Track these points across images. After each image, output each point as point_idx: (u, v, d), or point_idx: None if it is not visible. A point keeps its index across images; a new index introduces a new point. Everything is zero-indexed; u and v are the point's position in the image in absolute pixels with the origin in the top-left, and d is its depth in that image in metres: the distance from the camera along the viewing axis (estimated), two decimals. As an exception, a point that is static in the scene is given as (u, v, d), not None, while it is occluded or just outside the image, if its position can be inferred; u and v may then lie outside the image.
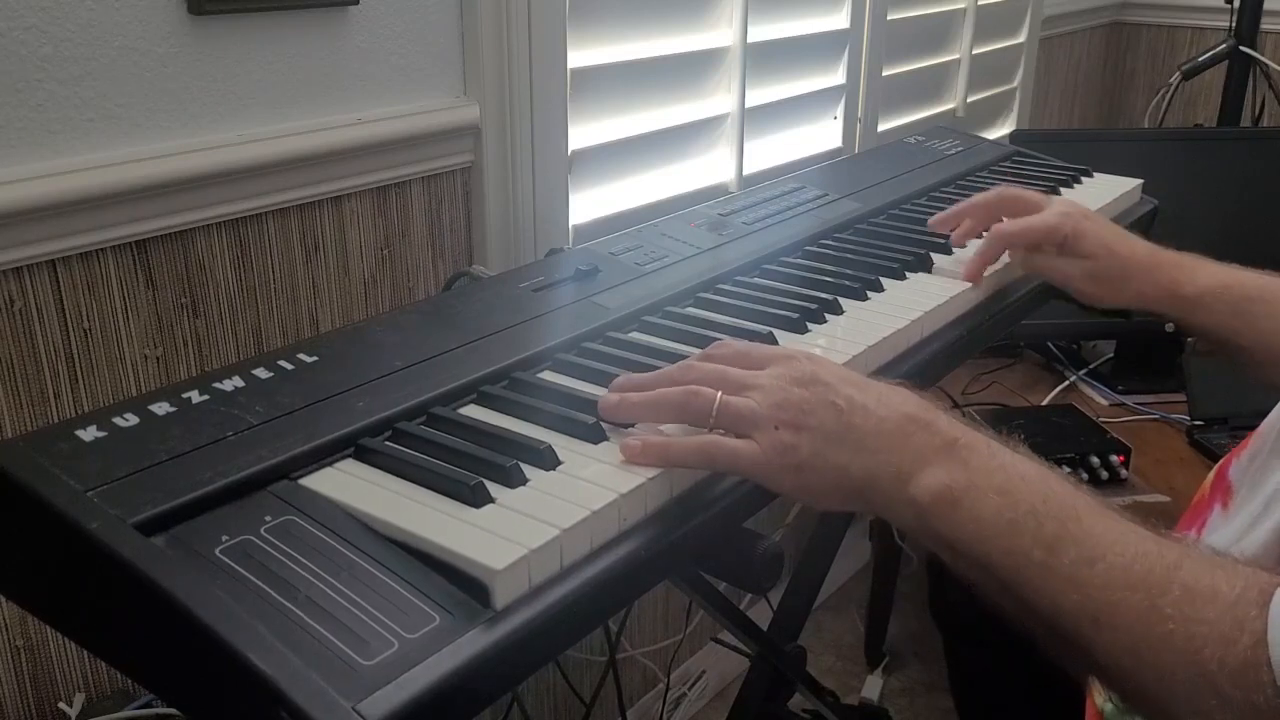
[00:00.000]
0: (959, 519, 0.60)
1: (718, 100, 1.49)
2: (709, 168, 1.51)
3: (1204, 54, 2.27)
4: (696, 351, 0.77)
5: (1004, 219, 1.01)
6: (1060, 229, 0.96)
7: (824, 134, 1.76)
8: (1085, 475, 1.43)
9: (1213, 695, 0.52)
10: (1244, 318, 0.90)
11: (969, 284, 0.96)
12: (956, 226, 1.04)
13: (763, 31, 1.53)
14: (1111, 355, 1.85)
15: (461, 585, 0.52)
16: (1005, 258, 1.00)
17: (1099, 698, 0.88)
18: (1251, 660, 0.51)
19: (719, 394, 0.64)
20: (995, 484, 0.60)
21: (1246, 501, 0.75)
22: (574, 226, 1.30)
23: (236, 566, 0.51)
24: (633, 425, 0.67)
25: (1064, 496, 0.59)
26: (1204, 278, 0.93)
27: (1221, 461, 0.86)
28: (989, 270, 0.98)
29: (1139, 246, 0.96)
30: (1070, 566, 0.57)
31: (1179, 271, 0.94)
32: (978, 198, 1.04)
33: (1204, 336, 0.95)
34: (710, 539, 0.66)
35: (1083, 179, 1.34)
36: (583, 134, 1.29)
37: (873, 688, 1.92)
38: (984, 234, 1.01)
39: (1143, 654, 0.54)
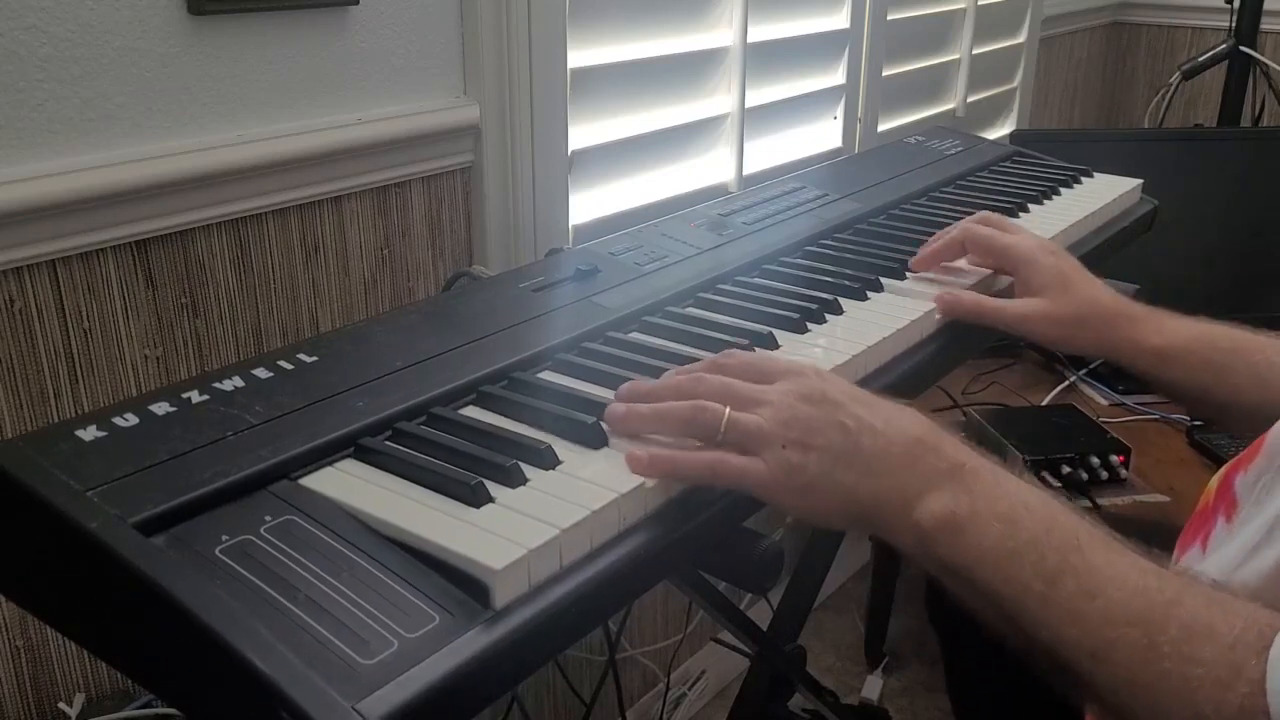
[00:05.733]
0: (961, 546, 0.59)
1: (717, 100, 1.49)
2: (709, 168, 1.50)
3: (1204, 54, 2.27)
4: (697, 352, 0.77)
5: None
6: (1013, 250, 0.94)
7: (824, 134, 1.76)
8: (1085, 475, 1.42)
9: None
10: (1217, 372, 0.86)
11: (969, 284, 0.96)
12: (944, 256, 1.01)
13: (763, 31, 1.53)
14: (1111, 355, 1.85)
15: (461, 585, 0.52)
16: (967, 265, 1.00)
17: None
18: (1248, 708, 0.50)
19: (727, 410, 0.64)
20: (999, 512, 0.60)
21: (1250, 519, 0.74)
22: (574, 226, 1.30)
23: (236, 566, 0.51)
24: None
25: (1067, 527, 0.59)
26: (1172, 331, 0.89)
27: (1226, 469, 0.84)
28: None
29: (1102, 293, 0.92)
30: (1069, 599, 0.56)
31: (1146, 323, 0.90)
32: (958, 224, 1.01)
33: (1173, 391, 0.91)
34: (710, 539, 0.66)
35: (1083, 179, 1.33)
36: (583, 134, 1.29)
37: (873, 688, 1.92)
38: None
39: (1139, 691, 0.53)
